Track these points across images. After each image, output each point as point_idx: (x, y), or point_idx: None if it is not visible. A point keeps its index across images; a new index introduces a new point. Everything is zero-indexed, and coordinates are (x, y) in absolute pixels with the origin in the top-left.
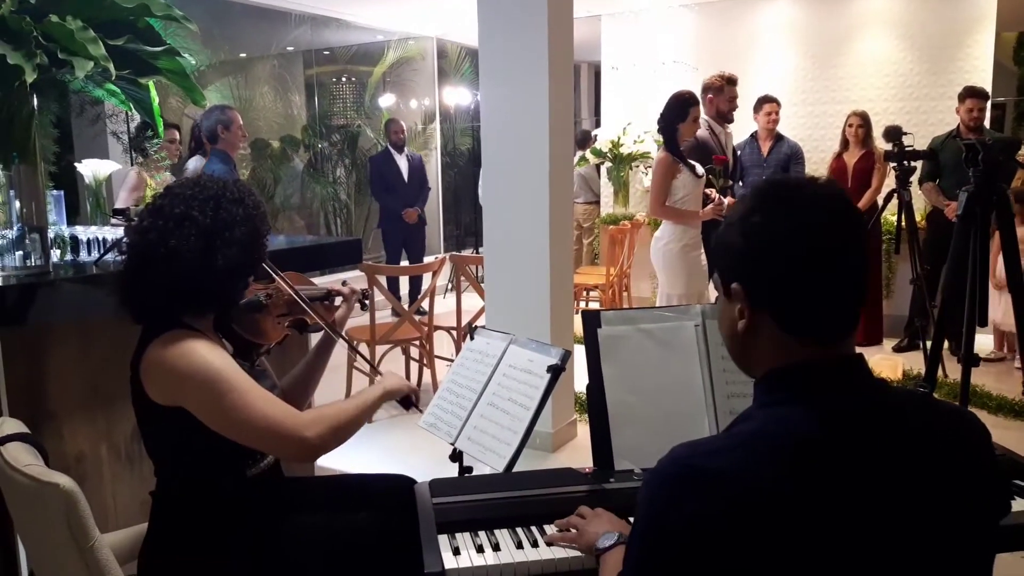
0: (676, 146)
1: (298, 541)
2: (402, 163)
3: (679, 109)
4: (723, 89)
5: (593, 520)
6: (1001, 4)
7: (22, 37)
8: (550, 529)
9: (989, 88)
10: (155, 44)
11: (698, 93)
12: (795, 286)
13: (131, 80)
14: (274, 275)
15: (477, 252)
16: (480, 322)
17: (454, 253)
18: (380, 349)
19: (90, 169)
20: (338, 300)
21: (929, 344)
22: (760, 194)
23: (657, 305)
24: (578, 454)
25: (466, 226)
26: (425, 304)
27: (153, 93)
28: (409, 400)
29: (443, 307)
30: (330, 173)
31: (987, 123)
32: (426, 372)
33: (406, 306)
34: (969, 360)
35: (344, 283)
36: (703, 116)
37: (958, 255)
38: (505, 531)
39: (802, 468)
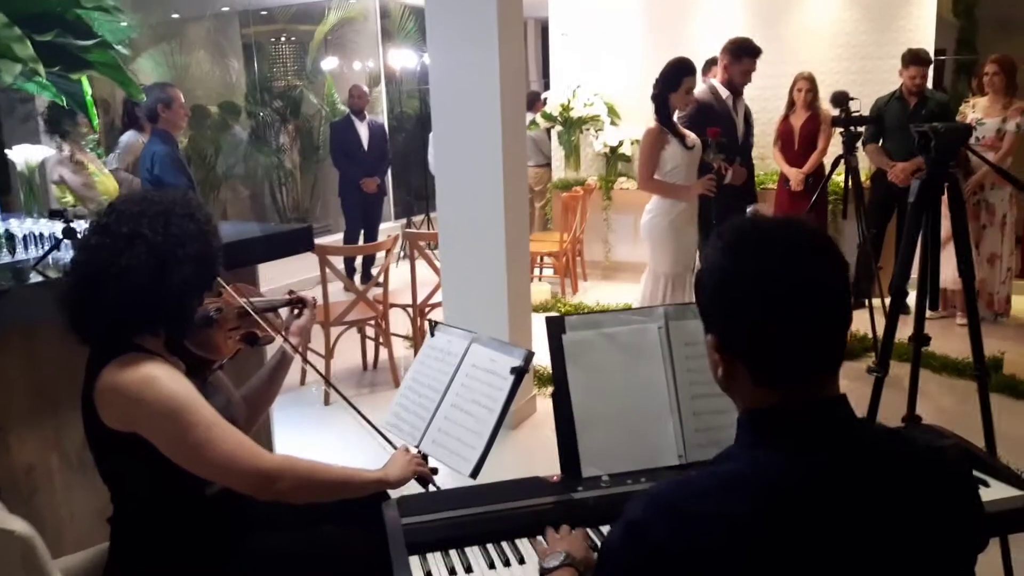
0: (667, 116)
1: (263, 559)
2: (363, 131)
3: (672, 78)
4: (740, 59)
5: (562, 540)
6: None
7: None
8: (521, 544)
9: (931, 44)
10: (86, 37)
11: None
12: (763, 335)
13: (62, 75)
14: (223, 288)
15: (428, 217)
16: (437, 297)
17: (407, 230)
18: (335, 331)
19: (22, 156)
20: (284, 310)
21: (878, 310)
22: (730, 237)
23: (643, 281)
24: (538, 431)
25: (416, 191)
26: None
27: (86, 86)
28: (424, 480)
29: (397, 278)
30: (273, 140)
31: (929, 81)
32: (383, 351)
33: (359, 280)
34: (919, 342)
35: (291, 292)
36: (712, 80)
37: (909, 241)
38: (476, 549)
39: (778, 514)
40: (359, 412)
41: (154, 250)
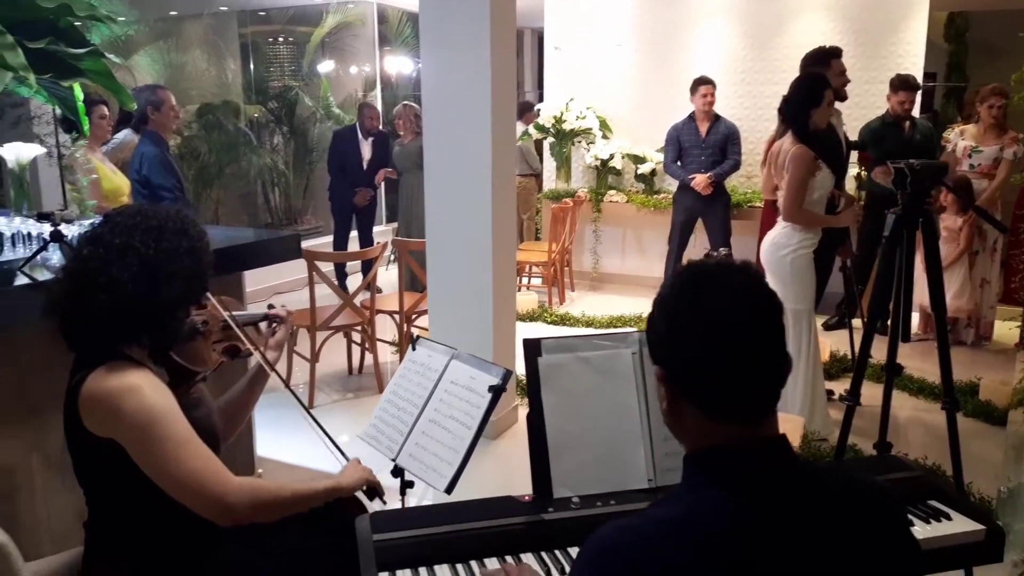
0: (811, 137)
1: (235, 569)
2: (365, 149)
3: (812, 92)
4: (828, 64)
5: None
6: None
7: None
8: (491, 562)
9: (921, 68)
10: (78, 45)
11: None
12: (704, 371)
13: (54, 82)
14: (208, 299)
15: None
16: (423, 305)
17: (396, 238)
18: (321, 335)
19: (13, 153)
20: (263, 324)
21: (856, 332)
22: (679, 277)
23: (786, 321)
24: (518, 441)
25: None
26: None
27: (78, 92)
28: (373, 492)
29: (385, 280)
30: (267, 141)
31: (917, 105)
32: (368, 356)
33: (350, 281)
34: (892, 372)
35: (271, 306)
36: None
37: (884, 275)
38: (446, 567)
39: (716, 560)
40: (314, 420)
41: (145, 263)
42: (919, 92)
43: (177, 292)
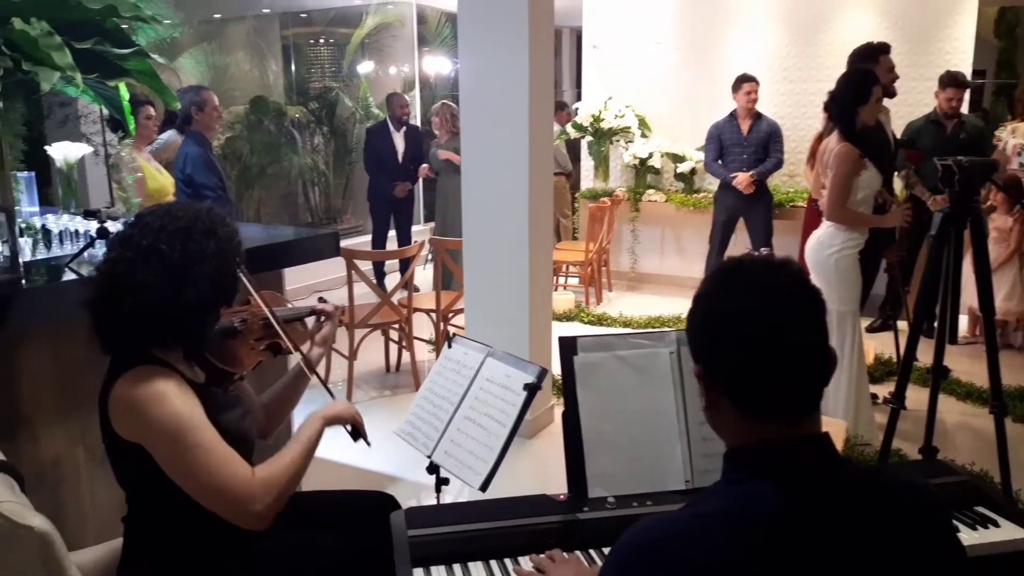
0: (857, 135)
1: (271, 565)
2: (399, 141)
3: (859, 89)
4: (877, 60)
5: (561, 566)
6: None
7: None
8: (524, 561)
9: (970, 65)
10: (124, 45)
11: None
12: (744, 370)
13: (100, 82)
14: (251, 296)
15: None
16: (459, 304)
17: (433, 237)
18: (359, 332)
19: (61, 153)
20: (309, 319)
21: (902, 331)
22: (714, 275)
23: (830, 322)
24: (554, 441)
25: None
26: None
27: (123, 92)
28: (357, 432)
29: (422, 279)
30: (308, 141)
31: (965, 104)
32: (405, 354)
33: (388, 280)
34: (938, 375)
35: (322, 299)
36: None
37: (931, 275)
38: (480, 564)
39: (760, 554)
40: (309, 365)
41: (169, 267)
42: (968, 89)
43: (203, 295)
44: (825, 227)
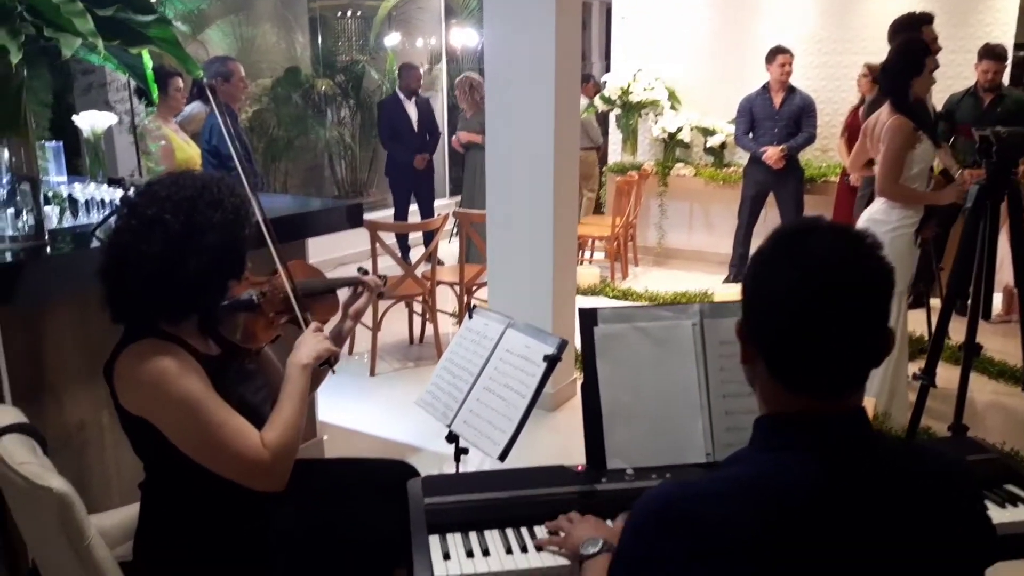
0: (911, 108)
1: (287, 531)
2: (411, 110)
3: (913, 59)
4: (920, 31)
5: (580, 525)
6: None
7: (6, 13)
8: (540, 531)
9: (1011, 38)
10: (146, 12)
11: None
12: (784, 343)
13: (122, 48)
14: (277, 266)
15: None
16: (484, 276)
17: (457, 210)
18: (383, 304)
19: (88, 122)
20: (359, 288)
21: (935, 308)
22: (777, 236)
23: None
24: (576, 414)
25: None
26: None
27: (147, 59)
28: (327, 362)
29: (447, 252)
30: (334, 114)
31: (1007, 77)
32: (429, 327)
33: (412, 253)
34: (971, 351)
35: (363, 270)
36: None
37: (966, 249)
38: (496, 533)
39: (783, 523)
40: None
41: (172, 238)
42: (1007, 62)
43: (206, 268)
44: (879, 204)
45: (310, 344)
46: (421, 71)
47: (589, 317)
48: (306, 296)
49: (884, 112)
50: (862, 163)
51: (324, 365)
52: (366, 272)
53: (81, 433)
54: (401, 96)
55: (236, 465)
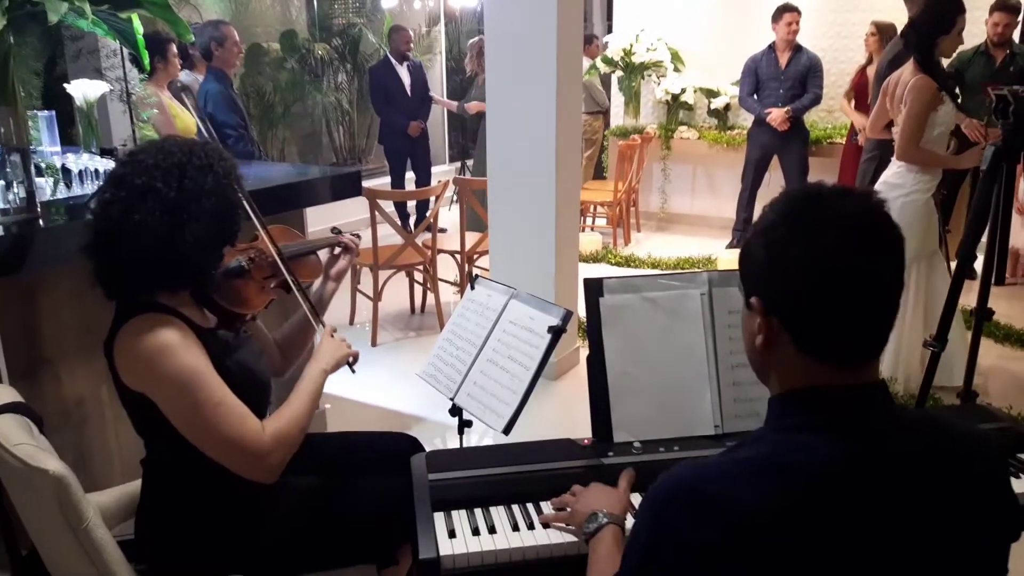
0: (937, 67)
1: (294, 503)
2: (404, 74)
3: (943, 17)
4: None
5: (582, 497)
6: None
7: None
8: (546, 507)
9: None
10: None
11: None
12: (812, 307)
13: (111, 13)
14: (258, 232)
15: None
16: (485, 244)
17: (458, 176)
18: (384, 273)
19: (80, 91)
20: (337, 250)
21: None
22: (786, 204)
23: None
24: (579, 383)
25: (471, 133)
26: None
27: (137, 25)
28: (349, 363)
29: (447, 221)
30: (331, 80)
31: (1017, 36)
32: (430, 296)
33: (411, 223)
34: (981, 316)
35: (336, 230)
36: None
37: (979, 213)
38: (502, 509)
39: (808, 502)
40: (297, 286)
41: (167, 206)
42: (1020, 16)
43: (203, 233)
44: (895, 167)
45: (330, 350)
46: (415, 34)
47: (595, 288)
48: (290, 259)
49: (907, 71)
50: (882, 125)
51: (351, 367)
52: (340, 232)
53: (81, 409)
54: (393, 60)
55: (230, 448)
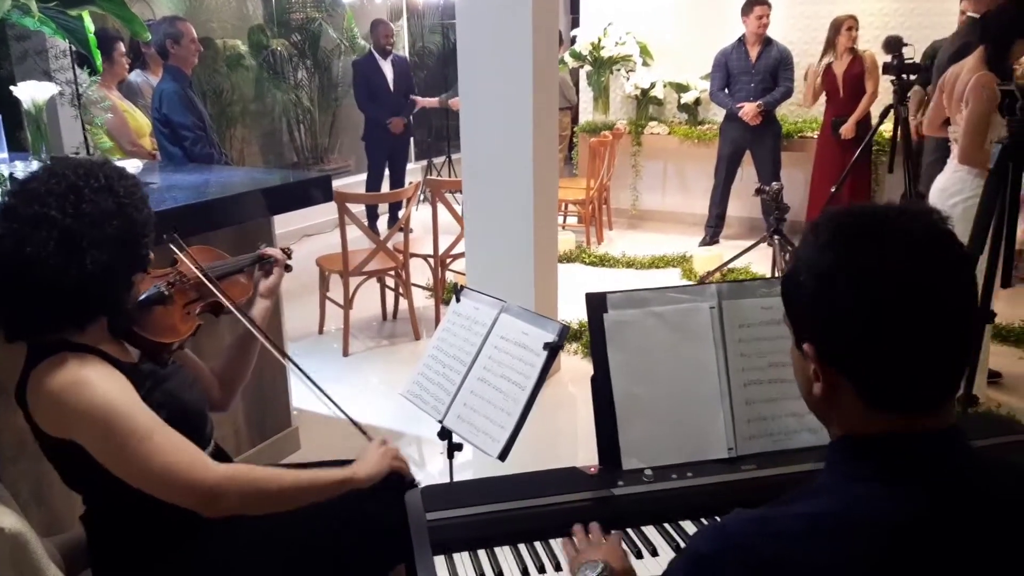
0: (1005, 67)
1: (256, 543)
2: (387, 70)
3: (1019, 18)
4: None
5: (591, 549)
6: None
7: None
8: (556, 544)
9: None
10: None
11: None
12: (876, 354)
13: (60, 11)
14: (176, 254)
15: (449, 159)
16: (460, 247)
17: (430, 177)
18: (354, 280)
19: (28, 93)
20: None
21: None
22: (834, 227)
23: None
24: (561, 390)
25: (438, 131)
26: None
27: (88, 24)
28: (402, 479)
29: (419, 222)
30: (291, 76)
31: None
32: (403, 302)
33: (386, 225)
34: (985, 318)
35: (262, 245)
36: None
37: (986, 212)
38: (508, 550)
39: (875, 562)
40: (328, 397)
41: (63, 235)
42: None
43: (107, 262)
44: (952, 171)
45: (374, 459)
46: (392, 29)
47: (598, 302)
48: (217, 279)
49: (968, 66)
50: (939, 123)
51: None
52: (265, 246)
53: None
54: (376, 55)
55: (169, 478)
